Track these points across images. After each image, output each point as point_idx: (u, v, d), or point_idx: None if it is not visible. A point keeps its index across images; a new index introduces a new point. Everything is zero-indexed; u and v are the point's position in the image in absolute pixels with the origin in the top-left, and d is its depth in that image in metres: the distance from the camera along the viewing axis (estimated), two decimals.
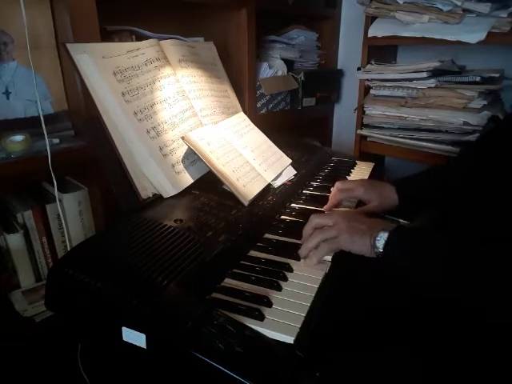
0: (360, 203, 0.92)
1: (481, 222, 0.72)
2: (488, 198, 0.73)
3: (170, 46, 0.96)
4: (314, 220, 0.73)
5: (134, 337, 0.51)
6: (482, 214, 0.73)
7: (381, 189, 0.89)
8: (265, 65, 1.36)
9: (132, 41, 1.02)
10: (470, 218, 0.76)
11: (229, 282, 0.63)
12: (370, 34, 1.36)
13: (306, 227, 0.73)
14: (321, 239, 0.70)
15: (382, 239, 0.65)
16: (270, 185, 0.94)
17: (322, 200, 0.91)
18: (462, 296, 0.61)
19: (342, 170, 1.13)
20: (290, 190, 0.96)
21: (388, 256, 0.65)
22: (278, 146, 1.07)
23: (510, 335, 0.60)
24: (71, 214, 0.94)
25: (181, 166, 0.85)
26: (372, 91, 1.43)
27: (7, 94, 0.85)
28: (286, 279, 0.64)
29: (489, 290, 0.58)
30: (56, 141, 0.87)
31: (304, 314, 0.56)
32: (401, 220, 0.95)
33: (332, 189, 0.91)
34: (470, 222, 0.75)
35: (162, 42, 0.94)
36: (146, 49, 0.87)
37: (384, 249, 0.64)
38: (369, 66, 1.39)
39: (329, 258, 0.69)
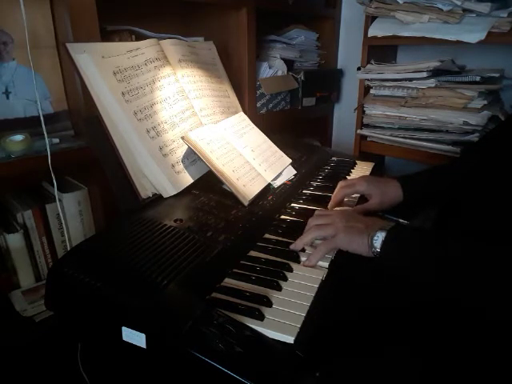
0: (362, 200, 0.91)
1: (482, 221, 0.72)
2: (490, 198, 0.73)
3: (170, 45, 0.96)
4: (312, 222, 0.73)
5: (134, 337, 0.51)
6: (484, 213, 0.73)
7: (384, 185, 0.88)
8: (265, 65, 1.36)
9: (132, 40, 1.02)
10: (471, 217, 0.76)
11: (229, 281, 0.63)
12: (369, 34, 1.36)
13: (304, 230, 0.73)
14: (317, 236, 0.70)
15: (379, 239, 0.65)
16: (269, 185, 0.94)
17: (322, 200, 0.91)
18: (461, 296, 0.61)
19: (341, 170, 1.13)
20: (290, 190, 0.96)
21: (385, 255, 0.64)
22: (278, 146, 1.07)
23: (510, 334, 0.60)
24: (71, 214, 0.94)
25: (181, 166, 0.85)
26: (372, 91, 1.43)
27: (7, 93, 0.85)
28: (285, 279, 0.64)
29: (488, 290, 0.58)
30: (56, 141, 0.87)
31: (304, 314, 0.56)
32: (400, 220, 0.94)
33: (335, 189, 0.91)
34: (472, 222, 0.75)
35: (161, 41, 0.94)
36: (146, 49, 0.87)
37: (381, 248, 0.64)
38: (369, 66, 1.39)
39: (326, 264, 0.69)
